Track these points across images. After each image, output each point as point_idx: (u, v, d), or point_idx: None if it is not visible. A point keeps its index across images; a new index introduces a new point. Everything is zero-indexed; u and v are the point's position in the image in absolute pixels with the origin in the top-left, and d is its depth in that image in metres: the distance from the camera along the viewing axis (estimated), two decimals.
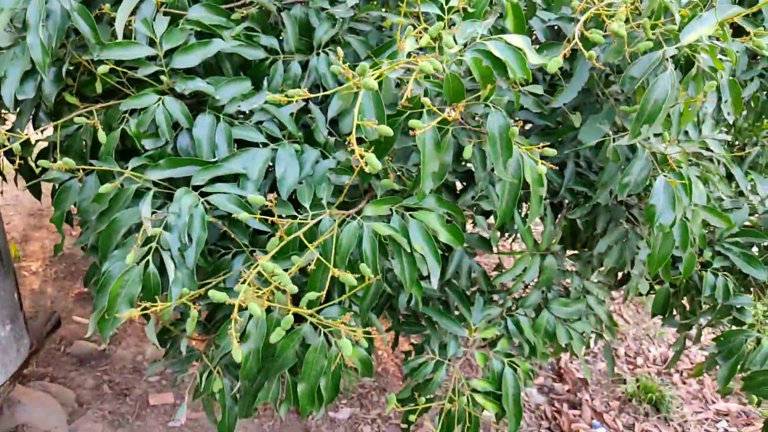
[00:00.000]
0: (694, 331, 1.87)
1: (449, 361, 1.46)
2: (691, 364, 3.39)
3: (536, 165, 1.12)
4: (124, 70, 1.26)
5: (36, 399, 2.32)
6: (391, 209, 1.12)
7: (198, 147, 1.26)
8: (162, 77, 1.26)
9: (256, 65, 1.38)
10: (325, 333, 1.13)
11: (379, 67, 1.02)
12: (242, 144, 1.29)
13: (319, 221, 1.15)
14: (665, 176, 1.28)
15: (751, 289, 1.66)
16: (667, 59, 1.11)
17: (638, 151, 1.28)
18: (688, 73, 1.16)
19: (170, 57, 1.27)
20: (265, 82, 1.34)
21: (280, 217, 1.07)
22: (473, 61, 0.96)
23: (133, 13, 1.26)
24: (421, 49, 1.07)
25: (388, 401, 1.33)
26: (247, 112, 1.32)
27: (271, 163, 1.28)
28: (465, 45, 1.02)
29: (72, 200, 1.31)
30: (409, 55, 1.03)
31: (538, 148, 1.04)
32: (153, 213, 1.19)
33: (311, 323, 1.13)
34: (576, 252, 1.66)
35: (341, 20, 1.38)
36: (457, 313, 1.58)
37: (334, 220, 1.14)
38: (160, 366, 1.41)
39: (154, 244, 1.15)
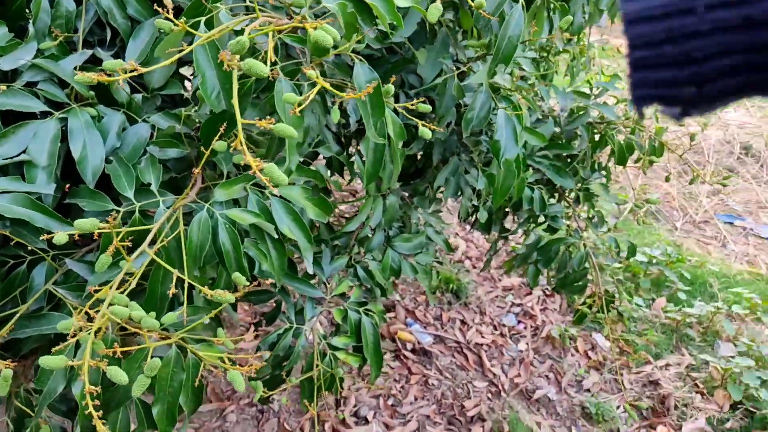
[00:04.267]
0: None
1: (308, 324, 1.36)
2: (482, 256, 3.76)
3: (397, 117, 1.01)
4: None
5: None
6: (245, 188, 0.93)
7: None
8: None
9: (7, 1, 1.00)
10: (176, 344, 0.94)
11: (213, 14, 0.79)
12: (13, 117, 0.95)
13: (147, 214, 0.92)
14: (504, 109, 1.27)
15: (558, 196, 1.81)
16: None
17: (483, 85, 1.23)
18: (532, 5, 1.11)
19: None
20: (30, 27, 0.97)
21: (103, 220, 0.81)
22: (339, 6, 0.78)
23: None
24: None
25: (255, 388, 1.20)
26: (9, 72, 0.96)
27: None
28: None
29: None
30: None
31: (412, 105, 0.93)
32: None
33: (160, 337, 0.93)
34: (412, 185, 1.63)
35: None
36: (301, 268, 1.46)
37: (172, 210, 0.91)
38: None
39: None
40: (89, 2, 1.04)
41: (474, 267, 3.66)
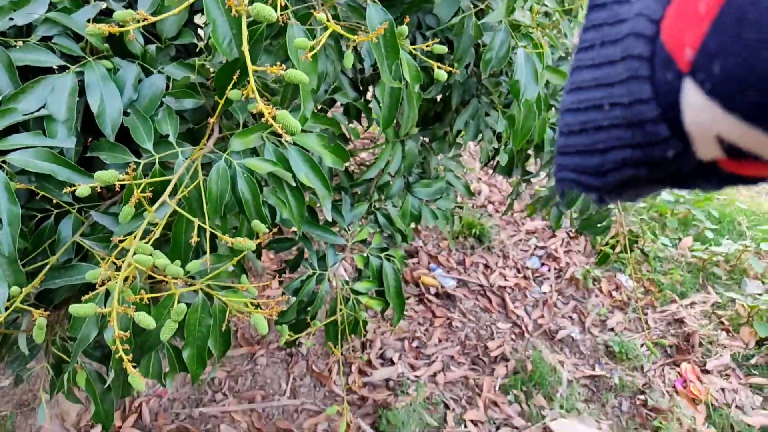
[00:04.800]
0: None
1: (331, 270, 1.38)
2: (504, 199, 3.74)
3: (413, 60, 0.99)
4: None
5: None
6: (262, 137, 0.93)
7: None
8: None
9: None
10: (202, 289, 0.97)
11: None
12: (31, 73, 0.96)
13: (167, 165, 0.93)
14: (524, 47, 1.24)
15: None
16: None
17: (502, 23, 1.20)
18: None
19: None
20: None
21: (123, 173, 0.82)
22: None
23: None
24: None
25: (281, 332, 1.24)
26: (24, 27, 0.96)
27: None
28: None
29: None
30: None
31: (427, 46, 0.91)
32: None
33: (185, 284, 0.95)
34: (431, 130, 1.61)
35: None
36: (321, 217, 1.48)
37: (190, 161, 0.92)
38: None
39: None
40: None
41: (497, 211, 3.65)
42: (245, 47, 0.65)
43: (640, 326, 2.73)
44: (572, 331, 2.69)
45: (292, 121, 0.62)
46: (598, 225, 1.73)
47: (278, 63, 0.74)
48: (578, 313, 2.82)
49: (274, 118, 0.60)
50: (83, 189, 0.73)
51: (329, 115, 1.42)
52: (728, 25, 0.24)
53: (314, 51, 0.69)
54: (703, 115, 0.26)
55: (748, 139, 0.25)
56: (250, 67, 0.62)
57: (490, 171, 3.90)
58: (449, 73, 1.36)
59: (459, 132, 1.53)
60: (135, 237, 0.73)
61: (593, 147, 0.31)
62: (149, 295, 0.76)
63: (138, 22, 0.61)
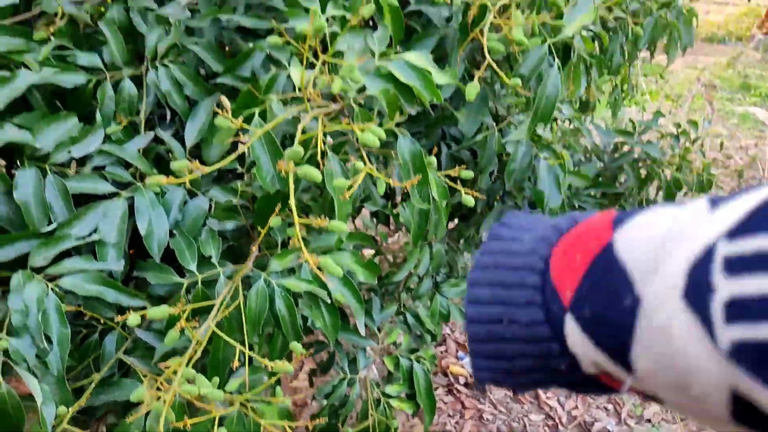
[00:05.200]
0: None
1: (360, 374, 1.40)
2: None
3: (440, 179, 1.05)
4: None
5: None
6: (299, 257, 0.98)
7: (26, 213, 0.98)
8: None
9: (77, 91, 1.09)
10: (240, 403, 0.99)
11: (265, 105, 0.85)
12: (84, 199, 1.03)
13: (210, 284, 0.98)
14: (546, 158, 1.29)
15: None
16: (552, 53, 1.08)
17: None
18: (567, 62, 1.14)
19: None
20: (97, 114, 1.06)
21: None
22: (382, 93, 0.83)
23: None
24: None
25: None
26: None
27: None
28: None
29: None
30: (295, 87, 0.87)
31: (454, 171, 0.97)
32: None
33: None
34: (457, 229, 1.66)
35: (176, 23, 1.13)
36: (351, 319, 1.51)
37: (231, 279, 0.97)
38: None
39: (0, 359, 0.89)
40: (149, 86, 1.13)
41: None
42: (291, 189, 0.71)
43: (677, 417, 2.64)
44: (608, 423, 2.61)
45: (336, 268, 0.67)
46: None
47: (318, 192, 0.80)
48: (613, 403, 2.74)
49: (319, 267, 0.64)
50: (134, 319, 0.77)
51: (358, 219, 1.48)
52: (593, 279, 0.31)
53: (351, 190, 0.75)
54: (580, 345, 0.32)
55: (610, 366, 0.31)
56: (296, 220, 0.68)
57: None
58: (474, 180, 1.42)
59: (484, 232, 1.57)
60: (181, 365, 0.76)
61: (500, 354, 0.36)
62: (191, 421, 0.79)
63: (191, 172, 0.68)
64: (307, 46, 0.83)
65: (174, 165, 0.70)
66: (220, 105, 0.76)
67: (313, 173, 0.65)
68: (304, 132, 0.75)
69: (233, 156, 0.77)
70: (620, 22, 1.53)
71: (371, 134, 0.70)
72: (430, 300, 1.56)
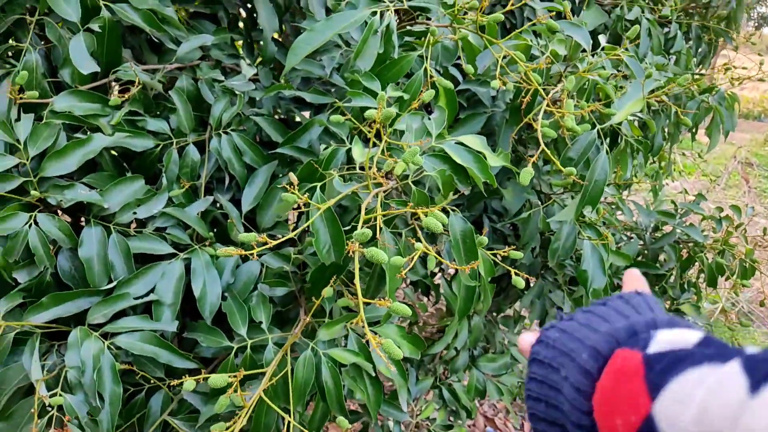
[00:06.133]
0: None
1: None
2: None
3: (488, 257, 1.06)
4: None
5: None
6: (346, 327, 0.99)
7: (88, 270, 1.02)
8: (30, 189, 0.99)
9: (143, 154, 1.15)
10: None
11: (326, 179, 0.89)
12: (143, 259, 1.07)
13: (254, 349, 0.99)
14: (589, 239, 1.30)
15: None
16: (601, 138, 1.11)
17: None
18: (616, 147, 1.17)
19: (38, 162, 1.00)
20: (162, 178, 1.11)
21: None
22: (439, 173, 0.86)
23: None
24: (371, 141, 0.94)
25: None
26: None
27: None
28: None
29: None
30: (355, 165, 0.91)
31: (504, 252, 0.98)
32: (43, 366, 0.94)
33: None
34: (496, 303, 1.66)
35: (241, 95, 1.20)
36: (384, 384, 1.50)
37: (278, 346, 0.99)
38: None
39: (54, 413, 0.91)
40: (211, 152, 1.18)
41: None
42: (356, 269, 0.73)
43: None
44: None
45: (396, 350, 0.68)
46: None
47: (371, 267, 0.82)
48: None
49: (380, 347, 0.66)
50: (189, 384, 0.79)
51: (399, 289, 1.49)
52: None
53: (406, 269, 0.77)
54: None
55: None
56: (361, 310, 0.70)
57: None
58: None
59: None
60: None
61: (553, 419, 0.45)
62: None
63: (258, 245, 0.71)
64: (372, 128, 0.87)
65: (241, 237, 0.73)
66: (288, 181, 0.80)
67: (380, 257, 0.67)
68: (367, 211, 0.78)
69: (298, 231, 0.80)
70: (663, 105, 1.56)
71: (434, 220, 0.72)
72: (465, 373, 1.55)
